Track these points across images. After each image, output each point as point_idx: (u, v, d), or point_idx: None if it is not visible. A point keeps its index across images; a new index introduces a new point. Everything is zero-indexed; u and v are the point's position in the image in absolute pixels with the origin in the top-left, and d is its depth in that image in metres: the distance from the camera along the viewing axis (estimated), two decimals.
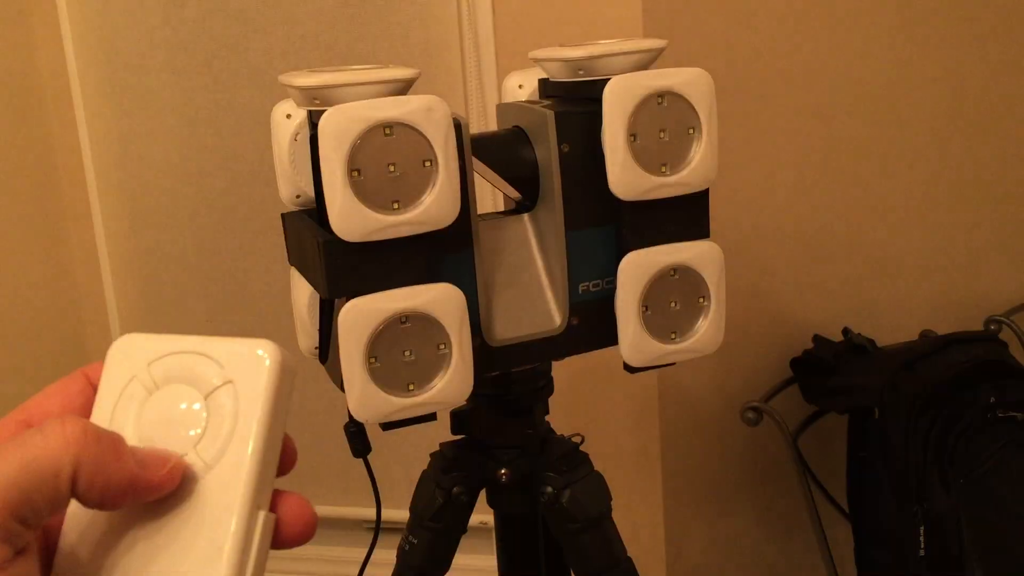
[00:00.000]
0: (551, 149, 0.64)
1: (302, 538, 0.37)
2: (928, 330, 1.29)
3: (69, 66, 1.37)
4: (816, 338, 1.26)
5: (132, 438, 0.36)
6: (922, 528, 1.06)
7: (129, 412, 0.37)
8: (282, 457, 0.37)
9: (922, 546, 1.06)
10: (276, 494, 0.37)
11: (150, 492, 0.34)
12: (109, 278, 1.45)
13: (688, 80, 0.62)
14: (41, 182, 1.40)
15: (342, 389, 0.59)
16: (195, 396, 0.36)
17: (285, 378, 0.37)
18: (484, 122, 1.21)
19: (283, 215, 0.70)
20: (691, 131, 0.63)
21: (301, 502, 0.37)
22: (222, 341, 0.37)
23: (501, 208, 0.75)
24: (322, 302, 0.68)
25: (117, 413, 0.37)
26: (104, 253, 1.44)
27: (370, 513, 0.81)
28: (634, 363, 0.66)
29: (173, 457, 0.35)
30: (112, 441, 0.33)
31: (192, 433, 0.36)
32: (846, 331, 1.25)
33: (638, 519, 1.29)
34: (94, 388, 0.38)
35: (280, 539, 0.37)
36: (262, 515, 0.35)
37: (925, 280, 1.35)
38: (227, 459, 0.35)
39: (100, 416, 0.37)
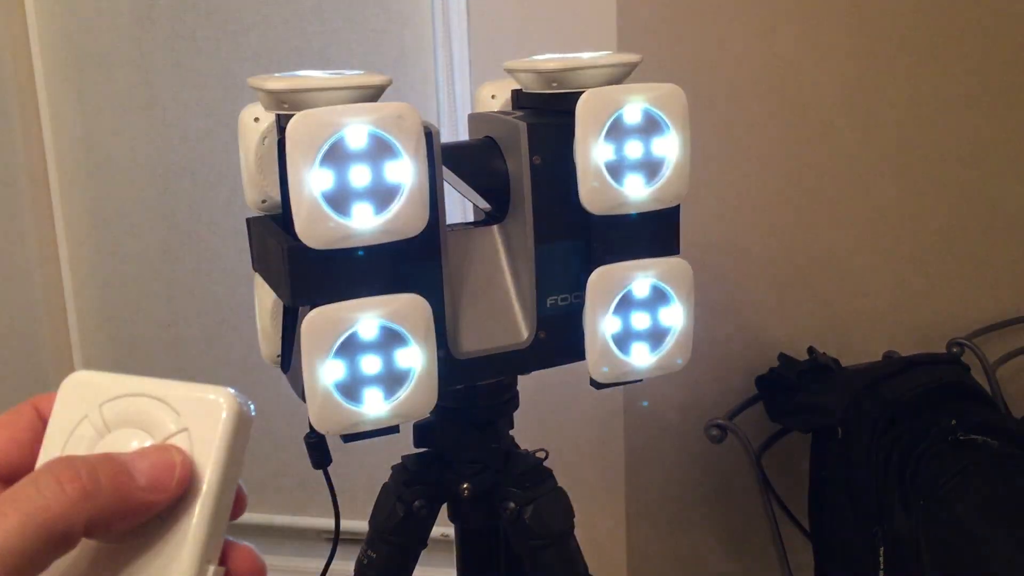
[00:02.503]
0: (522, 161, 0.63)
1: None
2: (892, 351, 1.30)
3: (34, 63, 1.35)
4: (781, 356, 1.27)
5: None
6: (882, 549, 1.06)
7: (78, 454, 0.35)
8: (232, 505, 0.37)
9: (881, 567, 1.06)
10: (226, 545, 0.36)
11: (161, 507, 0.34)
12: (69, 279, 1.42)
13: (661, 95, 0.62)
14: (1, 180, 1.37)
15: (303, 399, 0.58)
16: (148, 442, 0.35)
17: (242, 428, 0.36)
18: (457, 132, 1.20)
19: (248, 220, 0.69)
20: (664, 147, 0.63)
21: (251, 555, 0.37)
22: (179, 386, 0.36)
23: (471, 219, 0.74)
24: (285, 309, 0.67)
25: (66, 454, 0.35)
26: (64, 253, 1.41)
27: (331, 523, 0.80)
28: (600, 379, 0.65)
29: (175, 461, 0.34)
30: (115, 482, 0.32)
31: None
32: (811, 350, 1.26)
33: (601, 535, 1.28)
34: (43, 421, 0.37)
35: None
36: (211, 569, 0.35)
37: (890, 302, 1.36)
38: (178, 511, 0.34)
39: (49, 456, 0.36)
